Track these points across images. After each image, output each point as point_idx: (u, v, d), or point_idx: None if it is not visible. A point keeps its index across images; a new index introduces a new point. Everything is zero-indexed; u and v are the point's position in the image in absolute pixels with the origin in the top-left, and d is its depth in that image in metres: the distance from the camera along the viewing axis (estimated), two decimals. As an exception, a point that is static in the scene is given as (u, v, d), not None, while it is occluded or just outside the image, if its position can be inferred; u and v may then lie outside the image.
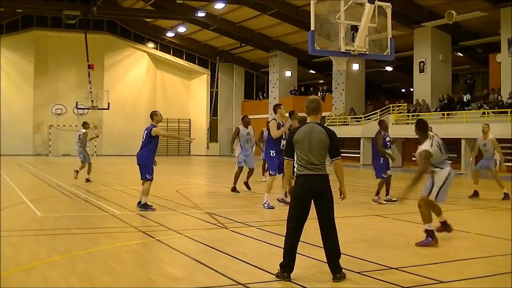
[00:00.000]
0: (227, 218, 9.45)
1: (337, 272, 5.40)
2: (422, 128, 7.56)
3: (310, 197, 5.47)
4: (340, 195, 5.75)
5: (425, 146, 7.35)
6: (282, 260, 5.47)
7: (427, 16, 27.25)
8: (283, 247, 5.52)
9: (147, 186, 10.40)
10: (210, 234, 8.10)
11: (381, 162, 12.14)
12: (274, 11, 31.35)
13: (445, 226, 7.68)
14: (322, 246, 5.55)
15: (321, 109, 5.69)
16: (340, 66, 12.07)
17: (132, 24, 40.98)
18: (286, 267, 5.42)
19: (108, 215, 10.08)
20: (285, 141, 10.76)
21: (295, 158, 5.60)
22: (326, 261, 5.53)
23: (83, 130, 17.08)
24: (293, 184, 5.67)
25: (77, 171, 16.53)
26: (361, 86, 35.19)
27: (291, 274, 5.44)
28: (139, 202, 10.51)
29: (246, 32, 36.55)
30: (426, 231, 7.31)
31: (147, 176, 10.37)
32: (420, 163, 7.35)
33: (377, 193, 12.11)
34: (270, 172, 11.20)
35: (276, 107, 11.40)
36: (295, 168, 5.60)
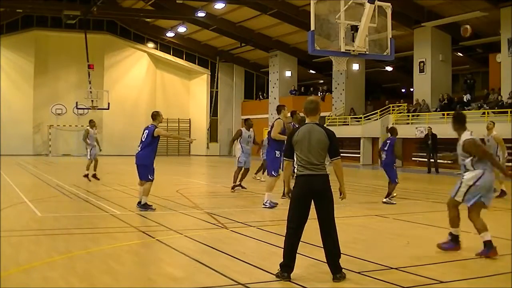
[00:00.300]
0: (227, 218, 9.45)
1: (337, 272, 5.41)
2: (462, 121, 7.13)
3: (310, 197, 5.48)
4: (340, 195, 5.75)
5: (465, 136, 6.91)
6: (282, 260, 5.47)
7: (427, 16, 27.25)
8: (283, 247, 5.53)
9: (148, 187, 10.36)
10: (210, 234, 8.10)
11: (395, 167, 12.30)
12: (274, 11, 31.34)
13: (488, 249, 6.63)
14: (322, 246, 5.56)
15: (319, 109, 5.73)
16: (340, 66, 12.08)
17: (132, 24, 40.99)
18: (286, 267, 5.42)
19: (108, 215, 10.08)
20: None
21: (295, 158, 5.61)
22: (326, 261, 5.53)
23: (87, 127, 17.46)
24: (292, 185, 5.68)
25: (94, 175, 16.86)
26: (361, 86, 35.19)
27: (291, 274, 5.44)
28: (139, 202, 10.48)
29: (246, 32, 36.55)
30: (451, 234, 6.99)
31: (149, 177, 10.33)
32: (478, 151, 6.83)
33: (388, 195, 12.18)
34: (272, 173, 11.19)
35: (280, 108, 11.45)
36: (295, 168, 5.60)
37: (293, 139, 5.59)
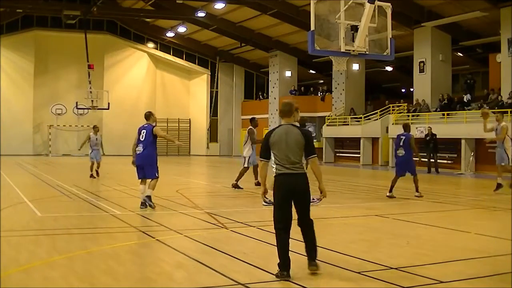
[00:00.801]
0: (227, 218, 9.45)
1: (314, 259, 5.61)
2: None
3: (292, 196, 5.64)
4: (321, 193, 5.90)
5: None
6: (279, 260, 5.51)
7: (427, 16, 27.24)
8: (276, 247, 5.58)
9: (155, 183, 10.56)
10: (210, 234, 8.10)
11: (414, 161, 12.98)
12: (274, 11, 31.33)
13: None
14: (302, 237, 5.71)
15: (293, 111, 5.93)
16: (340, 66, 12.10)
17: (132, 24, 40.98)
18: (284, 266, 5.47)
19: (108, 215, 10.08)
20: None
21: (272, 158, 5.78)
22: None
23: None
24: (267, 185, 5.89)
25: (96, 172, 18.49)
26: (361, 86, 35.17)
27: (291, 274, 5.45)
28: (148, 197, 10.50)
29: (246, 32, 36.54)
30: None
31: (156, 174, 10.51)
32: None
33: (417, 189, 12.96)
34: None
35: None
36: (274, 168, 5.76)
37: (269, 140, 5.75)
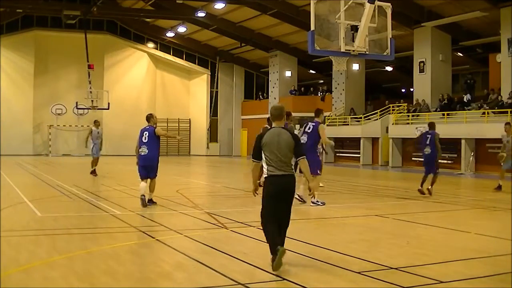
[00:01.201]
0: (227, 218, 9.45)
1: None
2: None
3: (283, 195, 5.85)
4: (310, 191, 6.24)
5: None
6: (271, 250, 5.71)
7: (427, 16, 27.26)
8: (267, 240, 5.78)
9: (154, 184, 11.02)
10: (210, 234, 8.10)
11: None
12: (274, 11, 31.34)
13: None
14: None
15: (284, 115, 6.18)
16: (340, 66, 12.12)
17: (132, 24, 40.99)
18: (277, 244, 5.63)
19: (108, 215, 10.08)
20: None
21: (264, 159, 5.93)
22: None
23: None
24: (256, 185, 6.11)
25: (94, 170, 18.77)
26: (361, 86, 35.18)
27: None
28: (150, 200, 10.92)
29: (246, 32, 36.55)
30: None
31: (156, 174, 10.94)
32: None
33: (432, 184, 13.19)
34: (318, 172, 11.20)
35: (319, 112, 11.59)
36: (265, 169, 5.91)
37: (261, 142, 5.94)
